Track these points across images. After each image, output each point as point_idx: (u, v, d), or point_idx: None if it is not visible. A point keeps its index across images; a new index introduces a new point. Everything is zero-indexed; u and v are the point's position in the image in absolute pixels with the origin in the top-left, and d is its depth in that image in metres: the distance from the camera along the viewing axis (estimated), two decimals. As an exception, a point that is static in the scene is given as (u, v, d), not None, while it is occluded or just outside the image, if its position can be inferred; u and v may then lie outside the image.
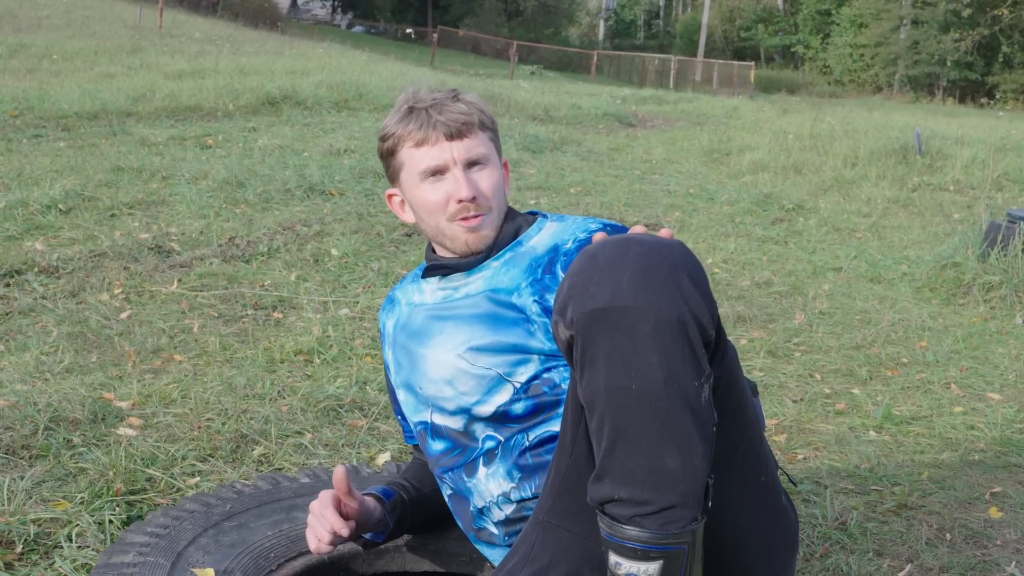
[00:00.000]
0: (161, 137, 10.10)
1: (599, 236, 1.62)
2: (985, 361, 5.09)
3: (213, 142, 10.11)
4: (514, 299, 1.97)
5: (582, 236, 2.00)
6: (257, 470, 3.09)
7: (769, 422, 3.95)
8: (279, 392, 3.80)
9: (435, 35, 44.60)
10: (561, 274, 1.94)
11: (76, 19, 22.84)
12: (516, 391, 1.95)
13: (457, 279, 2.09)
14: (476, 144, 2.03)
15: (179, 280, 5.28)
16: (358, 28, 60.27)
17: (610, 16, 76.83)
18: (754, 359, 4.85)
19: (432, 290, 2.13)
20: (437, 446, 2.10)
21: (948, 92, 48.32)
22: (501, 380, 1.96)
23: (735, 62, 43.83)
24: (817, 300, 6.11)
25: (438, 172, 2.02)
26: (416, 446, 2.36)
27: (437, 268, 2.11)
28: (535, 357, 1.94)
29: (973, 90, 48.09)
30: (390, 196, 2.18)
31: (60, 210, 6.54)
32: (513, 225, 2.10)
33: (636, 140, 15.13)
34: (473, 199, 2.00)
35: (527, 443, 1.95)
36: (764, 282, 6.44)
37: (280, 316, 4.92)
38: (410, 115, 2.03)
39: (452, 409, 2.03)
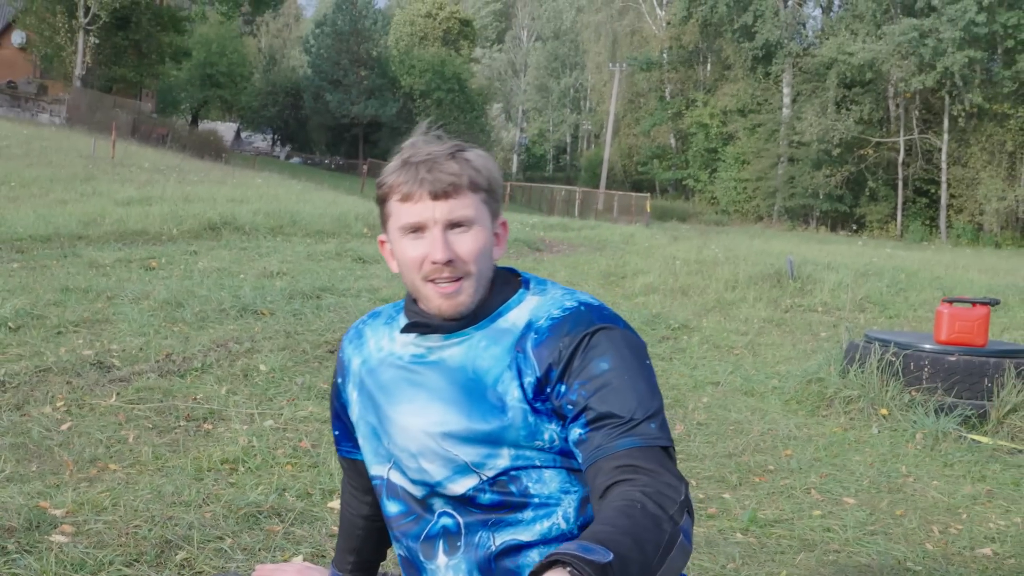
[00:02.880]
0: (108, 259, 10.04)
1: None
2: (843, 468, 5.20)
3: (157, 264, 10.07)
4: (499, 387, 1.77)
5: (556, 314, 1.79)
6: (179, 574, 3.07)
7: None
8: (204, 499, 3.78)
9: (365, 167, 45.05)
10: (530, 352, 1.76)
11: (34, 149, 22.71)
12: (482, 482, 1.77)
13: (433, 339, 1.85)
14: (462, 206, 1.79)
15: (118, 394, 5.24)
16: (296, 159, 60.60)
17: (523, 151, 78.49)
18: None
19: (404, 342, 1.89)
20: (392, 508, 1.89)
21: (821, 221, 49.75)
22: (468, 469, 1.77)
23: (633, 193, 44.83)
24: (696, 412, 6.21)
25: (418, 229, 1.79)
26: (348, 462, 2.13)
27: (417, 326, 1.86)
28: (506, 451, 1.75)
29: (843, 220, 49.53)
30: (382, 243, 1.93)
31: (9, 327, 6.46)
32: (501, 295, 1.87)
33: (542, 264, 15.29)
34: (448, 262, 1.77)
35: (492, 548, 1.77)
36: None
37: (210, 427, 4.89)
38: (403, 168, 1.80)
39: (414, 479, 1.83)
